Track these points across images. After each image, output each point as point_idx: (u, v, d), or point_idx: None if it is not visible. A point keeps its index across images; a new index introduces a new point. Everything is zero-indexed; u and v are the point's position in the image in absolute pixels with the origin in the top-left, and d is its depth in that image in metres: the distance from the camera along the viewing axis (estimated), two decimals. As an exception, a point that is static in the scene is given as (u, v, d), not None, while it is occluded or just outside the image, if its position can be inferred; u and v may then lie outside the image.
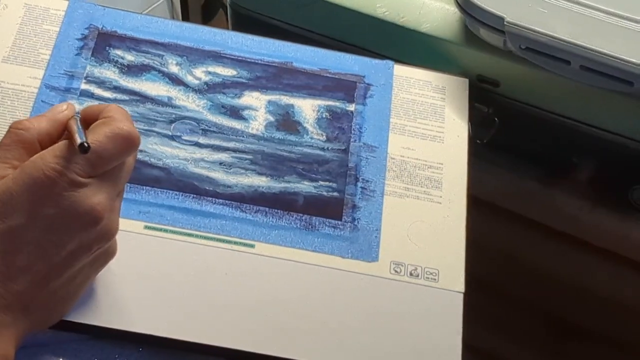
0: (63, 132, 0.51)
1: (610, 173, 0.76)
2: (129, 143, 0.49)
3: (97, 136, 0.48)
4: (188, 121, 0.64)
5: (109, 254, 0.53)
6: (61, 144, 0.48)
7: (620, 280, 0.81)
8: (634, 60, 0.61)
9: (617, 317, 0.84)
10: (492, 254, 0.82)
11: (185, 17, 1.33)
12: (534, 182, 0.79)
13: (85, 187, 0.47)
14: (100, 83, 0.64)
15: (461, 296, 0.61)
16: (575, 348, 0.91)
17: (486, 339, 0.88)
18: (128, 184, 0.59)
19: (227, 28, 0.77)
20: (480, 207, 0.67)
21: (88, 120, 0.51)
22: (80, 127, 0.49)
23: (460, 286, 0.61)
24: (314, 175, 0.64)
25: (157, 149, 0.63)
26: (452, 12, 0.71)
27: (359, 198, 0.64)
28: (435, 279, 0.61)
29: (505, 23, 0.64)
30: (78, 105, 0.62)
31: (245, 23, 0.78)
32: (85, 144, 0.46)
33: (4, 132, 0.50)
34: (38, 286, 0.48)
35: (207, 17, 1.32)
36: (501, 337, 0.93)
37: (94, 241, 0.49)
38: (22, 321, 0.48)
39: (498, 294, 0.88)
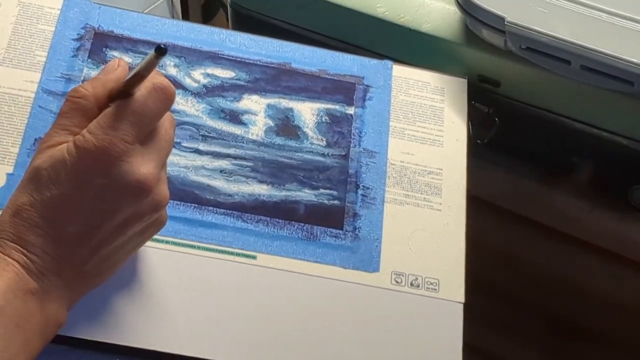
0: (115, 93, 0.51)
1: (610, 173, 0.75)
2: (166, 94, 0.50)
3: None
4: (188, 127, 0.63)
5: (160, 222, 0.53)
6: (106, 115, 0.48)
7: (620, 280, 0.81)
8: (634, 61, 0.61)
9: (617, 317, 0.84)
10: (492, 254, 0.82)
11: (185, 17, 1.32)
12: (534, 182, 0.79)
13: (133, 156, 0.48)
14: None
15: (461, 307, 0.61)
16: (575, 348, 0.91)
17: (485, 338, 0.88)
18: None
19: (227, 28, 0.76)
20: (480, 207, 0.67)
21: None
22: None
23: (461, 297, 0.61)
24: (314, 183, 0.63)
25: None
26: (452, 12, 0.71)
27: (360, 206, 0.63)
28: (435, 289, 0.61)
29: (505, 23, 0.64)
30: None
31: (246, 23, 0.78)
32: (162, 45, 0.46)
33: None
34: (89, 253, 0.49)
35: (207, 17, 1.32)
36: (500, 336, 0.93)
37: (145, 212, 0.50)
38: (73, 287, 0.49)
39: (498, 294, 0.88)
